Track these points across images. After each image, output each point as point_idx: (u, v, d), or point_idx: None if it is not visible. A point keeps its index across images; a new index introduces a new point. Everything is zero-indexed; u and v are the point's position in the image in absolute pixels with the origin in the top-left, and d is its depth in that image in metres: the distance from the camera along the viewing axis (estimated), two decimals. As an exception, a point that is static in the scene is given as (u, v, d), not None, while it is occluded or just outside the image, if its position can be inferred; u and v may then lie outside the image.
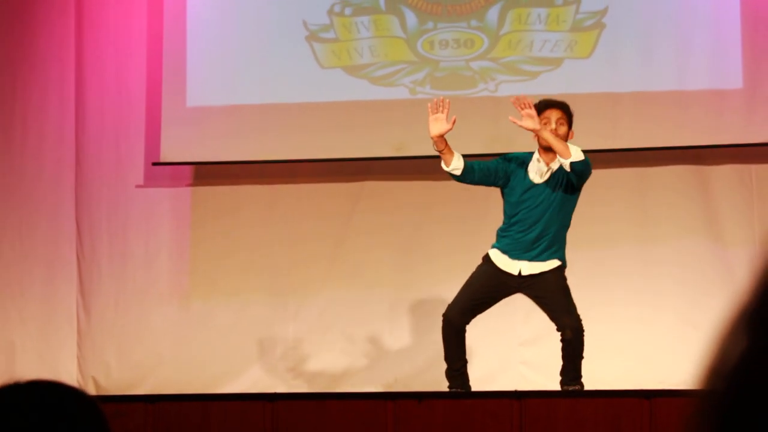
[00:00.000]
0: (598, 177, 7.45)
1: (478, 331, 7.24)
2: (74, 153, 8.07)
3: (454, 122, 5.72)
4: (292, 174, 7.85)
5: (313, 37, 7.75)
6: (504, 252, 5.93)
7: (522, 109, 5.63)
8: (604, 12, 7.42)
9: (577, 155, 5.62)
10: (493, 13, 7.54)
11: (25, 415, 1.72)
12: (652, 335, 7.24)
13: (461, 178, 5.82)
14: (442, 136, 5.70)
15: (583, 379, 6.08)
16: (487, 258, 6.00)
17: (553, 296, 5.88)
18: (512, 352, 7.37)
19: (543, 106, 5.84)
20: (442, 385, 7.23)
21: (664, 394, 6.15)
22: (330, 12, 7.75)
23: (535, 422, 5.93)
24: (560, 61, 7.40)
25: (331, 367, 7.58)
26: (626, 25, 7.36)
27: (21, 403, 1.73)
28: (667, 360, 7.17)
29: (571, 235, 7.35)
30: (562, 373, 6.10)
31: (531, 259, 5.90)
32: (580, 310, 7.05)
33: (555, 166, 5.83)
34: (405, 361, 7.49)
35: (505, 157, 5.94)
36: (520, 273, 5.91)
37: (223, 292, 7.83)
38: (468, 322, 5.95)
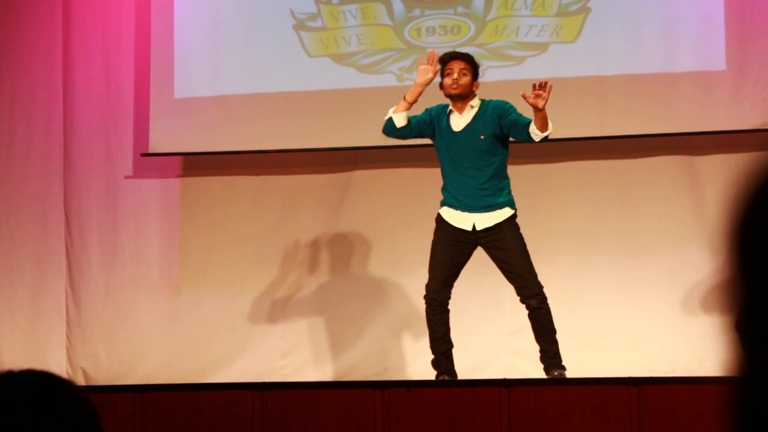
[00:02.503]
0: (585, 167, 7.45)
1: (467, 320, 7.23)
2: (62, 144, 8.06)
3: (436, 73, 5.93)
4: (280, 164, 7.83)
5: (300, 26, 7.73)
6: (453, 206, 6.01)
7: (536, 88, 5.70)
8: (589, -4, 7.41)
9: (549, 131, 5.78)
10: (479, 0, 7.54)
11: (16, 404, 1.71)
12: (641, 323, 7.21)
13: (398, 131, 6.01)
14: (425, 86, 5.92)
15: (564, 363, 6.07)
16: (439, 218, 6.07)
17: (513, 258, 5.91)
18: (501, 342, 7.35)
19: (447, 58, 6.03)
20: (432, 374, 7.23)
21: (652, 381, 6.14)
22: (317, 0, 7.73)
23: (524, 410, 5.92)
24: (546, 46, 7.37)
25: (320, 356, 7.57)
26: (611, 8, 7.33)
27: (12, 391, 1.72)
28: (655, 347, 7.16)
29: (559, 223, 7.36)
30: (542, 356, 6.08)
31: (482, 209, 5.94)
32: (568, 300, 7.06)
33: (468, 116, 5.99)
34: (394, 350, 7.48)
35: (427, 109, 6.11)
36: (474, 228, 5.95)
37: (212, 282, 7.82)
38: (449, 296, 6.00)
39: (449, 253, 5.98)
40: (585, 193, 7.41)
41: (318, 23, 7.71)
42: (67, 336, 7.91)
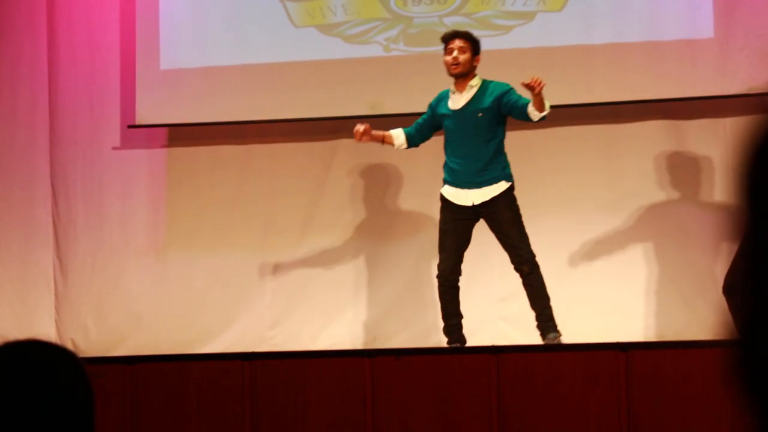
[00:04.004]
0: (572, 133, 7.47)
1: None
2: (48, 117, 8.04)
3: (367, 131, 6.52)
4: (266, 134, 7.83)
5: (286, -5, 7.71)
6: (453, 184, 6.35)
7: (532, 79, 5.95)
8: (575, -36, 7.39)
9: (546, 112, 6.12)
10: (465, -32, 7.52)
11: (11, 374, 1.74)
12: (628, 289, 7.24)
13: (411, 146, 6.57)
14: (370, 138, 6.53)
15: (559, 328, 6.20)
16: (442, 198, 6.41)
17: (507, 228, 6.28)
18: (491, 309, 7.38)
19: (447, 38, 6.38)
20: (420, 342, 7.26)
21: (640, 346, 6.19)
22: (303, -30, 7.70)
23: (513, 377, 5.96)
24: (533, 15, 7.36)
25: (309, 325, 7.58)
26: (598, -24, 7.34)
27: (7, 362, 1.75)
28: (643, 313, 7.19)
29: (545, 191, 7.37)
30: (537, 321, 6.22)
31: (479, 185, 6.28)
32: (556, 266, 7.08)
33: (468, 94, 6.30)
34: (383, 318, 7.50)
35: (429, 104, 6.51)
36: (473, 204, 6.29)
37: (199, 252, 7.83)
38: (460, 274, 6.37)
39: (456, 234, 6.34)
40: (572, 159, 7.43)
41: (304, -7, 7.69)
42: (56, 308, 7.91)
